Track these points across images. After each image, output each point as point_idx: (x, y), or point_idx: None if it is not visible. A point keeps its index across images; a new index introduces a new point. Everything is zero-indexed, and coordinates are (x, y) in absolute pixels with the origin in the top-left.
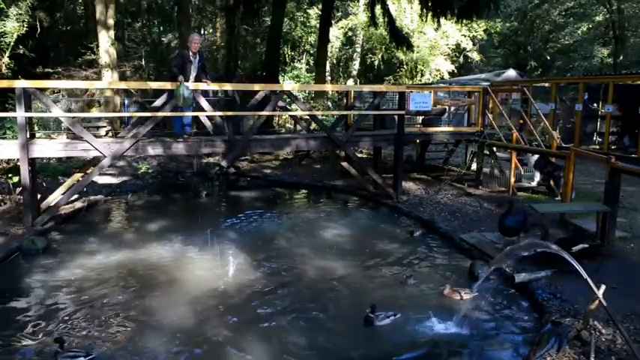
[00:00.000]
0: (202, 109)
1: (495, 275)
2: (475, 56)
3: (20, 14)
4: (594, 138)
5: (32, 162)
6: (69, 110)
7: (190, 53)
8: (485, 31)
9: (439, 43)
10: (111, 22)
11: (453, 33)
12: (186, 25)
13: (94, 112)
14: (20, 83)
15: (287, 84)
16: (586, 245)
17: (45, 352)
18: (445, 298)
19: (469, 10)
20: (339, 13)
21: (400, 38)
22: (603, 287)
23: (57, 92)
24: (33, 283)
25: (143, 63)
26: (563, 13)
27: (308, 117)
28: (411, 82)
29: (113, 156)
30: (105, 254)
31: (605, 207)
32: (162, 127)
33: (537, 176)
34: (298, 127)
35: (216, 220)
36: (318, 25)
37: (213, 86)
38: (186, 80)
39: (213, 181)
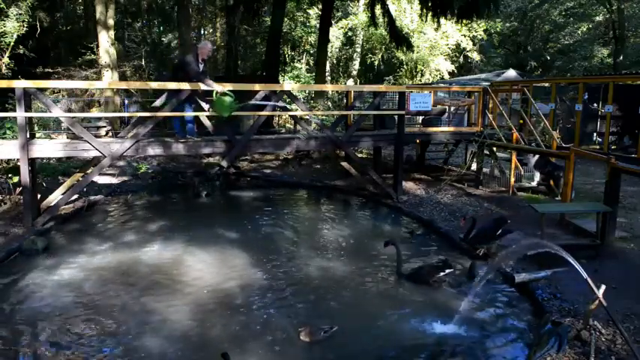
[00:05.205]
0: (202, 109)
1: (495, 275)
2: (475, 56)
3: (20, 14)
4: (594, 138)
5: (32, 162)
6: (69, 110)
7: (200, 59)
8: (485, 31)
9: (439, 43)
10: (111, 22)
11: (453, 33)
12: (187, 25)
13: (94, 112)
14: (20, 83)
15: (287, 84)
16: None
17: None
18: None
19: (469, 10)
20: (339, 13)
21: (400, 38)
22: (603, 287)
23: (57, 92)
24: (33, 283)
25: (143, 63)
26: (563, 13)
27: (308, 117)
28: (411, 82)
29: (113, 156)
30: (105, 254)
31: (605, 207)
32: (163, 127)
33: (537, 176)
34: (298, 127)
35: (216, 220)
36: (318, 25)
37: (215, 86)
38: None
39: (214, 181)
